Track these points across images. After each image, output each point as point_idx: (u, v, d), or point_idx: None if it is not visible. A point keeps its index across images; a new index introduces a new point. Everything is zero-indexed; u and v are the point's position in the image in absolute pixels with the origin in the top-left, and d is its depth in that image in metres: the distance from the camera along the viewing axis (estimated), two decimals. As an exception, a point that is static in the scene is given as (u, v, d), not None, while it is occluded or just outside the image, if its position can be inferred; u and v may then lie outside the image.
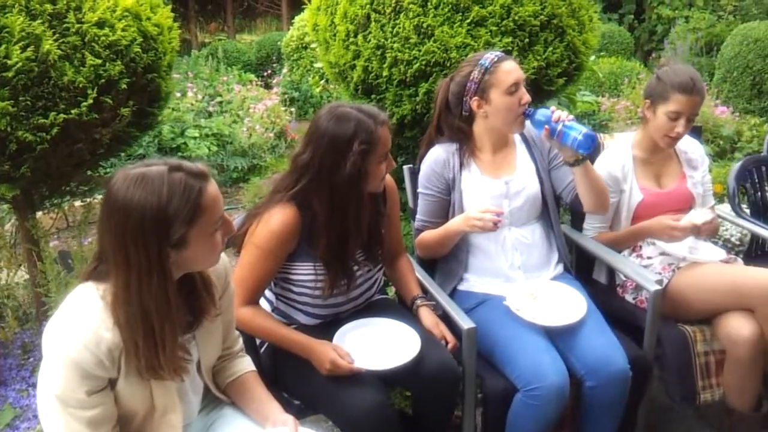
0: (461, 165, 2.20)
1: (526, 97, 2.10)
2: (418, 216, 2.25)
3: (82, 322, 1.30)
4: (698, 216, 2.21)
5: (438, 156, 2.20)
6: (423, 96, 2.58)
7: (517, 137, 2.28)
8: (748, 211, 2.81)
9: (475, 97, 2.12)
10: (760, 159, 2.86)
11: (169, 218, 1.27)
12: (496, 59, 2.09)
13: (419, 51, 2.54)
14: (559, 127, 2.02)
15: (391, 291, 2.49)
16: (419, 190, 2.24)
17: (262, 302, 2.06)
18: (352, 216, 1.85)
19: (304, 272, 1.90)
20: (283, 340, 1.86)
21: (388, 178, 2.08)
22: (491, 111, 2.12)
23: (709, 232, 2.28)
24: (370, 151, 1.79)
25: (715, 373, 2.18)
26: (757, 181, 2.82)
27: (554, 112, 2.05)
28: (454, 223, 2.10)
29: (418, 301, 2.08)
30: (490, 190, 2.19)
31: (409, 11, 2.56)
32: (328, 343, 1.82)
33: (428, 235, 2.20)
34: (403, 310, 2.11)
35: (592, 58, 3.94)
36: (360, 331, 1.93)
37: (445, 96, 2.21)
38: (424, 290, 2.21)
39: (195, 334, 1.50)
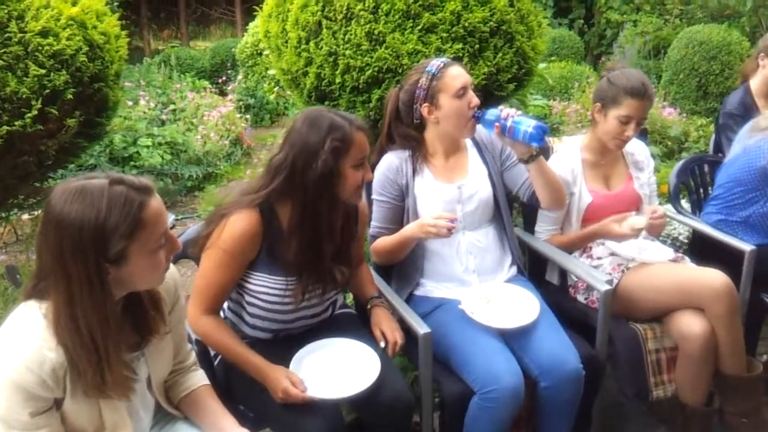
0: (414, 171, 2.21)
1: (475, 100, 2.13)
2: (373, 223, 2.25)
3: (24, 343, 1.26)
4: (637, 220, 2.27)
5: (391, 163, 2.21)
6: (376, 102, 2.58)
7: (468, 142, 2.31)
8: (689, 208, 2.90)
9: (425, 104, 2.14)
10: (701, 158, 2.95)
11: (107, 232, 1.24)
12: (442, 65, 2.11)
13: (371, 58, 2.54)
14: (509, 122, 2.04)
15: (349, 297, 2.49)
16: (373, 196, 2.24)
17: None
18: (324, 219, 1.83)
19: (260, 282, 1.88)
20: (239, 360, 1.81)
21: (362, 203, 2.08)
22: (442, 116, 2.14)
23: (654, 231, 2.34)
24: (343, 150, 1.78)
25: (666, 369, 2.24)
26: (699, 178, 2.91)
27: (503, 110, 2.07)
28: (409, 230, 2.10)
29: (373, 300, 2.08)
30: (443, 195, 2.20)
31: (360, 18, 2.56)
32: (283, 369, 1.78)
33: (384, 241, 2.20)
34: (363, 328, 2.08)
35: (542, 63, 4.00)
36: (318, 354, 1.88)
37: (394, 105, 2.23)
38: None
39: (144, 351, 1.47)
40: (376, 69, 2.53)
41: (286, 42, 2.77)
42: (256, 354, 1.82)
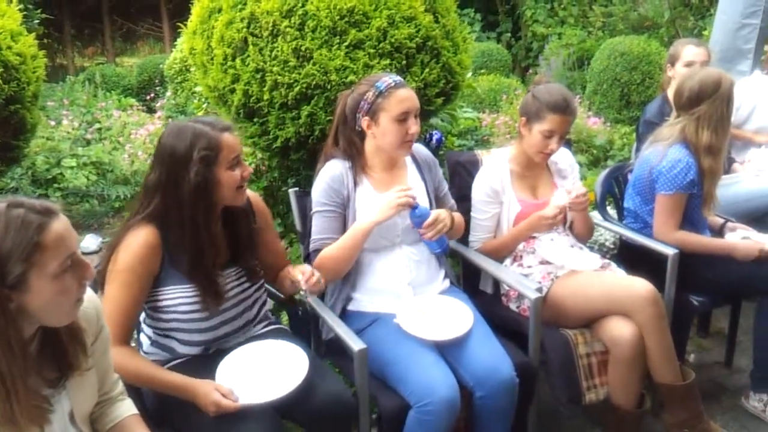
0: (355, 182, 2.21)
1: (414, 128, 2.14)
2: (314, 237, 2.21)
3: None
4: (558, 198, 2.36)
5: (333, 172, 2.20)
6: (306, 118, 2.57)
7: (408, 158, 2.33)
8: (616, 214, 3.00)
9: (366, 117, 2.15)
10: (624, 167, 3.06)
11: (3, 256, 1.19)
12: (392, 84, 2.12)
13: (299, 74, 2.53)
14: (422, 231, 2.13)
15: (284, 318, 2.46)
16: (316, 209, 2.21)
17: (142, 338, 1.99)
18: (203, 229, 1.81)
19: (172, 296, 1.84)
20: (162, 385, 1.77)
21: (254, 195, 2.07)
22: (378, 133, 2.16)
23: (578, 207, 2.41)
24: (213, 157, 1.77)
25: (597, 373, 2.29)
26: (623, 186, 3.01)
27: (426, 225, 2.11)
28: (368, 219, 2.10)
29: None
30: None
31: (286, 35, 2.55)
32: (209, 382, 1.75)
33: (331, 250, 2.16)
34: (297, 339, 2.06)
35: (470, 74, 4.07)
36: (244, 360, 1.86)
37: (342, 108, 2.22)
38: (315, 314, 2.21)
39: (66, 384, 1.41)
40: (304, 85, 2.53)
41: (212, 59, 2.73)
42: (177, 374, 1.78)
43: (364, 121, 2.15)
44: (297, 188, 2.42)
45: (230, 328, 1.95)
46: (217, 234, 1.88)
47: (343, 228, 2.20)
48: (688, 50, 3.17)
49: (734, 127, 3.42)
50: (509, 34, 9.15)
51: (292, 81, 2.54)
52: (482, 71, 7.34)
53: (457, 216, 2.38)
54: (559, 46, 7.77)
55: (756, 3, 3.83)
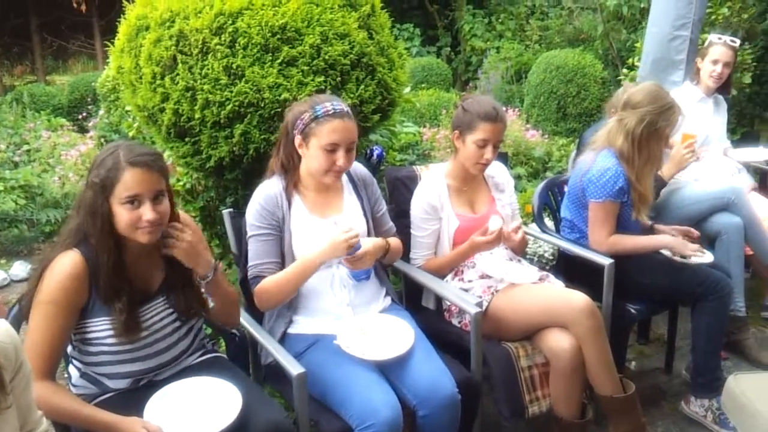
0: (289, 204, 2.16)
1: (342, 162, 2.10)
2: (251, 263, 2.14)
3: None
4: (492, 223, 2.37)
5: (267, 193, 2.15)
6: (239, 137, 2.51)
7: (344, 177, 2.29)
8: (554, 226, 3.03)
9: (299, 136, 2.11)
10: (559, 179, 3.11)
11: None
12: (330, 112, 2.08)
13: (231, 92, 2.47)
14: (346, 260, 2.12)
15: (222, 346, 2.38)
16: (251, 233, 2.15)
17: (71, 370, 1.90)
18: (111, 257, 1.72)
19: (99, 328, 1.76)
20: (86, 422, 1.68)
21: (187, 217, 1.96)
22: (306, 155, 2.14)
23: (514, 243, 2.44)
24: (108, 187, 1.67)
25: (540, 385, 2.29)
26: (560, 197, 3.05)
27: (354, 256, 2.10)
28: (313, 256, 2.07)
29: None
30: (318, 230, 2.16)
31: (217, 52, 2.49)
32: (137, 419, 1.67)
33: (275, 280, 2.11)
34: (234, 367, 2.01)
35: (408, 89, 4.08)
36: (174, 396, 1.78)
37: (286, 121, 2.18)
38: (252, 339, 2.14)
39: None
40: (236, 103, 2.47)
41: (140, 78, 2.65)
42: (103, 411, 1.70)
43: (297, 140, 2.12)
44: (231, 209, 2.35)
45: (163, 359, 1.87)
46: (132, 264, 1.79)
47: (281, 250, 2.16)
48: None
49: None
50: (449, 49, 9.25)
51: (223, 99, 2.48)
52: (423, 85, 7.38)
53: (394, 242, 2.36)
54: (497, 60, 7.88)
55: (686, 15, 3.96)
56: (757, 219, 3.09)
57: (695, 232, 2.76)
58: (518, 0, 9.19)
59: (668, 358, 3.06)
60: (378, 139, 3.42)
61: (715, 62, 3.44)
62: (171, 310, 1.87)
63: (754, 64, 4.67)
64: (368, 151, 3.17)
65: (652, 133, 2.57)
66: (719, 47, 3.43)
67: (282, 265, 2.15)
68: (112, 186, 1.67)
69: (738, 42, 3.56)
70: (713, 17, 5.09)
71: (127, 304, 1.75)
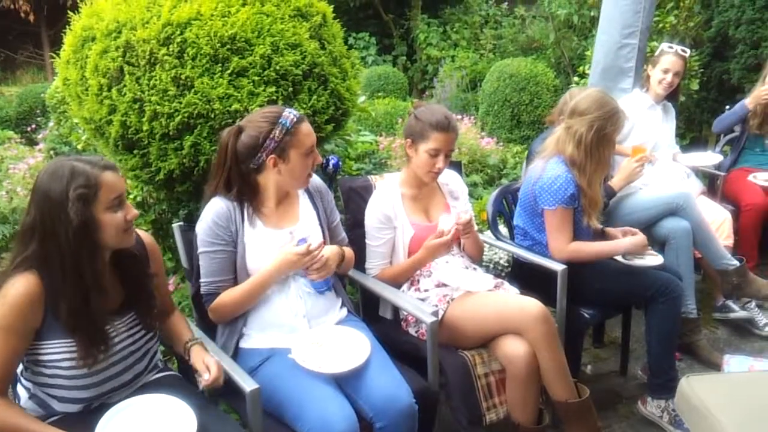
0: (243, 218, 2.13)
1: (318, 159, 2.17)
2: (204, 279, 2.11)
3: None
4: (443, 223, 2.39)
5: (219, 209, 2.10)
6: (189, 149, 2.47)
7: None
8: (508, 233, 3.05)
9: (273, 155, 2.08)
10: (511, 186, 3.14)
11: None
12: (295, 120, 2.08)
13: (180, 103, 2.43)
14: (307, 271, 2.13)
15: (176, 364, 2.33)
16: (202, 249, 2.11)
17: (20, 390, 1.84)
18: (88, 273, 1.69)
19: (55, 350, 1.71)
20: None
21: (146, 236, 1.97)
22: (286, 169, 2.11)
23: (466, 231, 2.45)
24: (91, 196, 1.66)
25: (497, 392, 2.30)
26: (513, 205, 3.07)
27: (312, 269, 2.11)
28: (267, 270, 2.06)
29: (189, 342, 1.97)
30: (274, 242, 2.14)
31: (165, 63, 2.45)
32: None
33: (232, 293, 2.09)
34: (188, 384, 1.97)
35: (362, 98, 4.07)
36: (126, 415, 1.72)
37: (234, 146, 2.10)
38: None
39: None
40: (186, 115, 2.43)
41: (87, 89, 2.59)
42: (55, 429, 1.65)
43: (271, 160, 2.08)
44: (182, 223, 2.31)
45: (117, 383, 1.83)
46: (105, 279, 1.76)
47: (234, 266, 2.12)
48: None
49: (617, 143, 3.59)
50: (405, 58, 9.30)
51: (172, 111, 2.43)
52: (379, 94, 7.40)
53: (348, 251, 2.35)
54: (452, 69, 7.95)
55: (633, 24, 4.04)
56: (704, 223, 3.16)
57: (637, 231, 2.80)
58: (472, 9, 9.30)
59: (623, 360, 3.10)
60: (334, 149, 3.41)
61: (665, 71, 3.51)
62: (132, 330, 1.84)
63: (701, 70, 4.80)
64: (324, 161, 3.15)
65: (601, 139, 2.61)
66: (670, 56, 3.51)
67: (235, 280, 2.13)
68: (95, 195, 1.66)
69: (688, 52, 3.65)
70: (661, 25, 5.23)
71: (101, 326, 1.73)
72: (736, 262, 3.17)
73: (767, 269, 3.74)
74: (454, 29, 8.95)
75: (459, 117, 6.03)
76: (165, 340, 2.07)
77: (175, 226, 2.29)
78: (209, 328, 2.21)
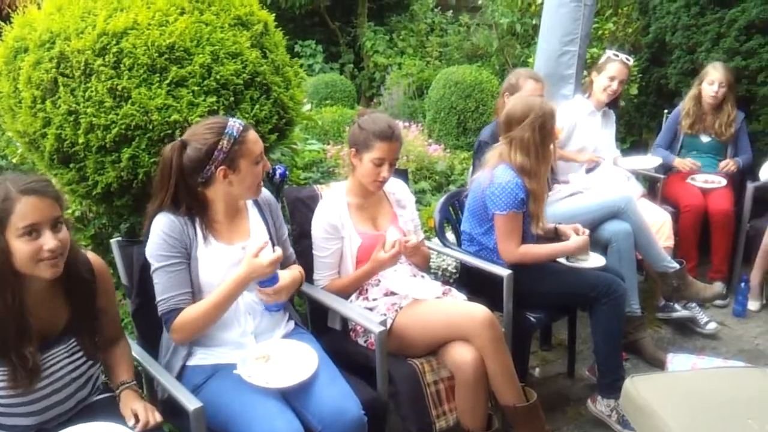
0: (195, 232, 2.07)
1: (267, 165, 2.13)
2: (163, 296, 2.01)
3: None
4: (390, 235, 2.38)
5: (168, 222, 2.03)
6: (127, 162, 2.40)
7: (249, 201, 2.23)
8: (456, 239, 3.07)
9: (222, 167, 2.01)
10: (459, 193, 3.16)
11: None
12: (242, 129, 2.03)
13: (117, 115, 2.37)
14: (263, 294, 2.07)
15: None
16: (158, 264, 2.01)
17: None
18: (9, 299, 1.61)
19: None
20: None
21: (95, 258, 1.90)
22: (237, 179, 2.05)
23: (413, 254, 2.47)
24: (4, 220, 1.58)
25: (446, 399, 2.30)
26: (460, 211, 3.10)
27: (274, 291, 2.06)
28: (240, 278, 1.98)
29: (123, 386, 1.90)
30: (226, 257, 2.08)
31: (101, 74, 2.39)
32: None
33: (200, 310, 1.99)
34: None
35: (308, 107, 4.05)
36: None
37: (179, 161, 2.03)
38: (148, 375, 2.05)
39: None
40: (123, 126, 2.36)
41: (20, 102, 2.50)
42: None
43: (220, 171, 2.02)
44: (120, 238, 2.24)
45: (60, 410, 1.76)
46: (39, 304, 1.69)
47: (191, 279, 2.05)
48: (528, 84, 3.33)
49: (558, 148, 3.65)
50: (352, 65, 9.29)
51: (109, 122, 2.37)
52: (327, 102, 7.36)
53: (297, 269, 2.31)
54: (399, 76, 7.97)
55: (573, 31, 4.12)
56: (645, 225, 3.24)
57: (586, 231, 2.84)
58: (418, 17, 9.36)
59: (570, 362, 3.15)
60: (280, 158, 3.37)
61: (611, 78, 3.59)
62: (73, 357, 1.77)
63: (640, 75, 4.92)
64: (271, 171, 3.11)
65: (545, 135, 2.67)
66: (616, 64, 3.59)
67: (194, 294, 2.05)
68: (6, 219, 1.57)
69: (632, 61, 3.75)
70: (600, 32, 5.35)
71: (28, 351, 1.64)
72: (676, 265, 3.25)
73: (707, 269, 3.87)
74: (401, 37, 8.98)
75: (407, 124, 6.05)
76: (104, 369, 1.99)
77: (113, 241, 2.22)
78: (151, 346, 2.14)
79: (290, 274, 2.18)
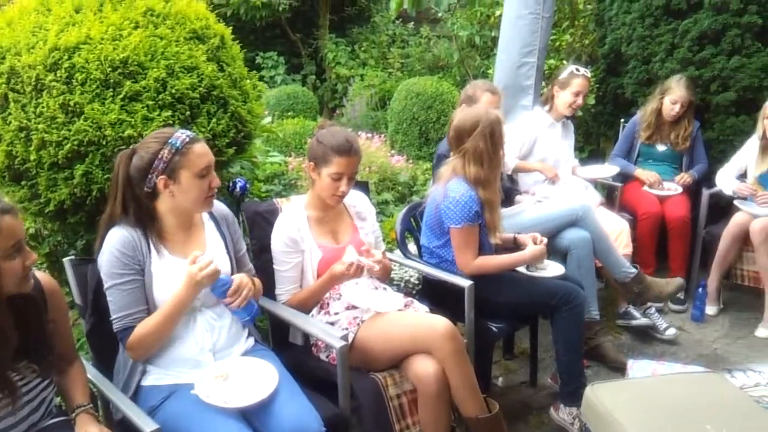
0: (149, 246, 2.03)
1: (216, 181, 2.06)
2: (116, 315, 1.97)
3: None
4: (347, 256, 2.37)
5: (122, 237, 1.99)
6: (81, 178, 2.35)
7: (205, 215, 2.20)
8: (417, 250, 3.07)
9: (163, 176, 1.98)
10: (420, 204, 3.16)
11: None
12: (187, 140, 1.99)
13: (69, 131, 2.32)
14: (227, 300, 2.04)
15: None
16: (111, 282, 1.97)
17: None
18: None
19: None
20: None
21: (45, 278, 1.85)
22: (179, 191, 2.01)
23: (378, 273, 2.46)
24: None
25: (409, 412, 2.29)
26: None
27: (231, 293, 2.02)
28: (183, 290, 1.95)
29: (79, 409, 1.85)
30: (181, 272, 2.03)
31: (52, 89, 2.34)
32: None
33: (147, 325, 1.96)
34: None
35: (268, 119, 4.02)
36: None
37: (126, 170, 2.01)
38: (104, 398, 2.00)
39: None
40: (75, 142, 2.32)
41: (-32, 119, 2.44)
42: None
43: (161, 181, 1.99)
44: (73, 257, 2.18)
45: None
46: (6, 328, 1.64)
47: (146, 295, 2.02)
48: (485, 96, 3.37)
49: (520, 159, 3.70)
50: (314, 77, 9.27)
51: (61, 138, 2.32)
52: (289, 114, 7.33)
53: (256, 281, 2.28)
54: (362, 87, 7.99)
55: (531, 43, 4.19)
56: (603, 233, 3.28)
57: (544, 239, 2.87)
58: (379, 29, 9.40)
59: (532, 371, 3.17)
60: (239, 172, 3.34)
61: (576, 94, 3.66)
62: (26, 379, 1.72)
63: (597, 85, 5.01)
64: (230, 184, 3.08)
65: (495, 142, 2.70)
66: (580, 79, 3.66)
67: (149, 311, 2.02)
68: None
69: (589, 72, 3.82)
70: (557, 44, 5.44)
71: (5, 368, 1.62)
72: (634, 270, 3.30)
73: (665, 275, 3.92)
74: (362, 48, 9.00)
75: (369, 135, 6.06)
76: (59, 392, 1.93)
77: (66, 260, 2.16)
78: (107, 367, 2.09)
79: (243, 275, 2.12)
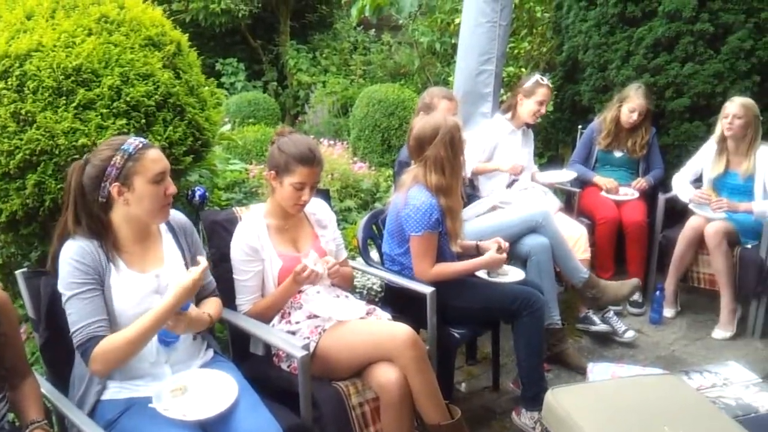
0: (107, 258, 1.97)
1: (172, 188, 2.01)
2: (78, 326, 1.88)
3: None
4: (309, 260, 2.35)
5: (78, 248, 1.93)
6: (33, 188, 2.30)
7: (162, 226, 2.14)
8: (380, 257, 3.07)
9: (116, 183, 1.93)
10: (382, 211, 3.17)
11: None
12: (141, 146, 1.95)
13: (21, 140, 2.27)
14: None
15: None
16: (70, 293, 1.90)
17: None
18: None
19: None
20: None
21: None
22: (133, 199, 1.95)
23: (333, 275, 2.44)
24: None
25: (372, 421, 2.28)
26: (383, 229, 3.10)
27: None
28: (170, 303, 1.89)
29: (33, 425, 1.79)
30: (140, 286, 1.99)
31: (3, 98, 2.29)
32: None
33: (117, 339, 1.87)
34: None
35: (228, 126, 3.97)
36: None
37: (79, 180, 1.96)
38: (59, 413, 1.95)
39: None
40: (27, 152, 2.26)
41: None
42: None
43: (114, 188, 1.93)
44: (26, 269, 2.13)
45: None
46: None
47: (106, 307, 1.95)
48: (442, 103, 3.39)
49: (481, 164, 3.73)
50: (276, 83, 9.23)
51: (12, 148, 2.27)
52: (250, 121, 7.27)
53: (216, 308, 2.22)
54: (323, 94, 7.98)
55: (490, 50, 4.23)
56: (562, 239, 3.33)
57: (506, 244, 2.89)
58: (341, 36, 9.40)
59: (495, 376, 3.19)
60: (198, 180, 3.29)
61: (540, 103, 3.72)
62: None
63: (555, 92, 5.08)
64: (189, 193, 3.04)
65: (456, 148, 2.72)
66: (544, 89, 3.72)
67: (110, 321, 1.95)
68: None
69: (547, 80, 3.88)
70: (516, 51, 5.51)
71: None
72: (588, 274, 3.35)
73: (624, 279, 3.98)
74: (324, 55, 8.99)
75: (332, 142, 6.04)
76: (12, 407, 1.88)
77: (18, 273, 2.10)
78: (62, 382, 2.04)
79: (197, 311, 2.06)
